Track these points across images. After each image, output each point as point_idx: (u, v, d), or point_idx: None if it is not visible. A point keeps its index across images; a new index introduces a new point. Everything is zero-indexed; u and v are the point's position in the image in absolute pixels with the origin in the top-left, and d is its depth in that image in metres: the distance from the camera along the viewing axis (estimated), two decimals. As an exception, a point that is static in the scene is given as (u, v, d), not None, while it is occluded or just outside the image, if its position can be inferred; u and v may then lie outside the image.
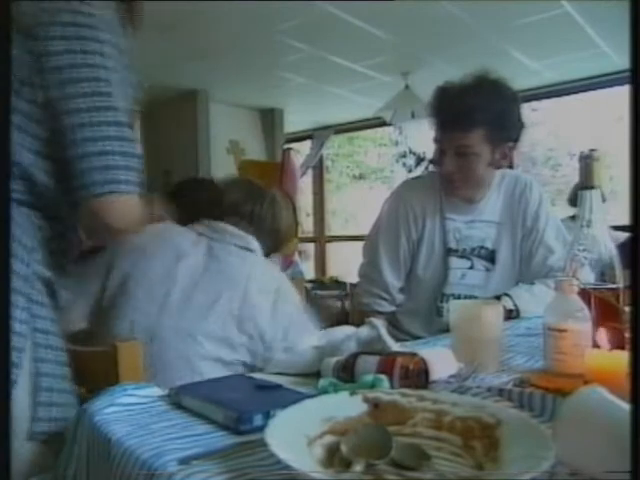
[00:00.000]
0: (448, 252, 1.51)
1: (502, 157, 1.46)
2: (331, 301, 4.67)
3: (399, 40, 3.55)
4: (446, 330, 1.18)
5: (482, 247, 1.52)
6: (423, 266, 1.53)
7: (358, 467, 0.48)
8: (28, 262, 0.87)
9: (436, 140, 1.47)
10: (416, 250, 1.53)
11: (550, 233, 1.52)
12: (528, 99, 4.71)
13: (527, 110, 5.00)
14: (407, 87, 4.13)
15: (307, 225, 6.10)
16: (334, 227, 6.48)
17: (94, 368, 1.01)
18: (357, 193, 7.09)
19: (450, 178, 1.47)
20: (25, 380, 0.84)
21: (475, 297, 1.47)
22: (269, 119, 5.33)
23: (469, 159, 1.42)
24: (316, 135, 5.89)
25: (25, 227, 0.87)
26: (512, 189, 1.55)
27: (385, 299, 1.56)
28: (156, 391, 0.83)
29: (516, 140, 1.46)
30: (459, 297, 1.50)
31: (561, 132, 5.37)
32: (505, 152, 1.45)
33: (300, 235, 4.13)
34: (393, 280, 1.54)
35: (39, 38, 0.83)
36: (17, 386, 0.82)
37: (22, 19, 0.84)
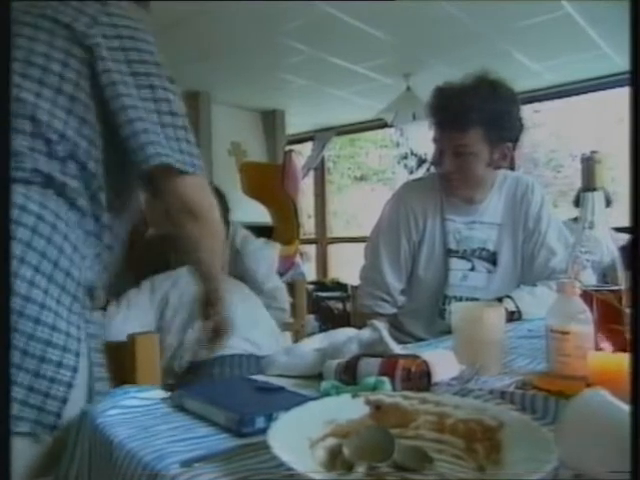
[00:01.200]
0: (448, 253, 1.51)
1: (501, 157, 1.45)
2: (332, 303, 4.67)
3: (400, 42, 3.56)
4: (448, 332, 1.18)
5: (483, 249, 1.52)
6: (424, 267, 1.53)
7: (360, 469, 0.48)
8: (80, 268, 0.87)
9: (435, 140, 1.48)
10: (417, 251, 1.53)
11: (552, 235, 1.52)
12: (530, 100, 4.72)
13: (529, 111, 5.01)
14: (408, 89, 4.13)
15: (308, 227, 6.10)
16: (335, 229, 6.48)
17: (109, 360, 1.03)
18: (358, 194, 7.09)
19: (449, 178, 1.47)
20: (83, 384, 0.85)
21: (477, 299, 1.47)
22: (270, 121, 5.33)
23: (467, 159, 1.42)
24: (317, 137, 5.89)
25: (79, 234, 0.88)
26: (514, 190, 1.55)
27: (386, 301, 1.56)
28: (158, 393, 0.83)
29: (515, 140, 1.46)
30: (461, 299, 1.50)
31: (563, 133, 5.37)
32: (504, 152, 1.45)
33: (301, 237, 4.12)
34: (394, 282, 1.54)
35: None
36: (74, 390, 0.82)
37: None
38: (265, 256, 2.28)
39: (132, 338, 1.01)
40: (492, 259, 1.53)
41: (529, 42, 3.53)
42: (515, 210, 1.54)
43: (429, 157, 4.93)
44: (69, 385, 0.81)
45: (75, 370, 0.82)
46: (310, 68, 4.05)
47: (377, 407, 0.62)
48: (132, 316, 1.45)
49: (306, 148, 6.05)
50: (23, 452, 0.78)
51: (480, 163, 1.43)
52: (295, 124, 5.51)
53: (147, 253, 1.63)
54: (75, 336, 0.83)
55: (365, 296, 1.59)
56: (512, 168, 1.58)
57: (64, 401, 0.80)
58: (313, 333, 2.57)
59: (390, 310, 1.57)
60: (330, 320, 4.26)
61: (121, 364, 1.02)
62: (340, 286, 4.92)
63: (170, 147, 0.87)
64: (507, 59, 3.77)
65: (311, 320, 3.91)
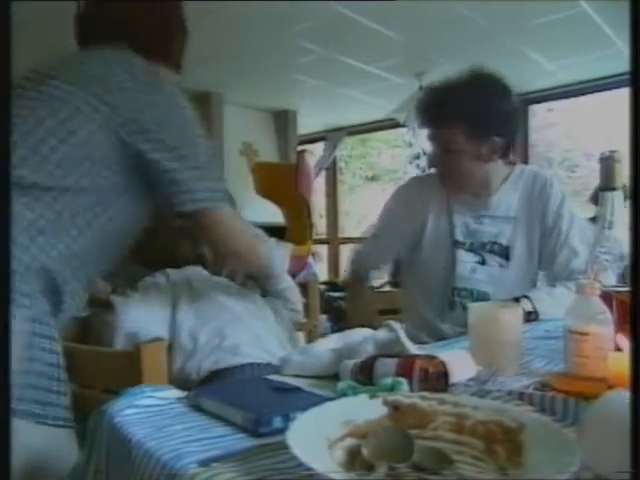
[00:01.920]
0: (455, 245, 1.51)
1: (492, 151, 1.42)
2: (344, 303, 4.66)
3: (413, 41, 3.55)
4: (459, 324, 1.19)
5: (495, 243, 1.51)
6: (429, 257, 1.54)
7: (381, 470, 0.48)
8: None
9: (428, 139, 1.49)
10: (417, 242, 1.55)
11: (575, 234, 1.49)
12: (544, 99, 4.67)
13: (543, 111, 4.96)
14: (421, 88, 4.11)
15: (320, 227, 6.10)
16: (347, 229, 6.47)
17: (116, 369, 1.03)
18: (370, 194, 7.09)
19: (441, 176, 1.50)
20: None
21: (487, 293, 1.47)
22: (282, 121, 5.34)
23: (454, 155, 1.42)
24: (329, 137, 5.89)
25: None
26: (531, 185, 1.53)
27: (360, 271, 1.67)
28: (174, 393, 0.84)
29: (505, 135, 1.42)
30: (471, 292, 1.50)
31: (577, 133, 5.31)
32: (494, 147, 1.41)
33: (314, 237, 4.12)
34: (371, 256, 1.67)
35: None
36: None
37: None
38: (277, 256, 2.28)
39: (138, 347, 1.00)
40: (504, 253, 1.51)
41: (543, 41, 3.51)
42: (532, 204, 1.52)
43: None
44: None
45: None
46: (322, 68, 4.05)
47: (395, 408, 0.61)
48: (147, 304, 1.41)
49: (317, 148, 6.05)
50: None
51: (467, 158, 1.42)
52: (307, 124, 5.52)
53: (159, 247, 1.64)
54: None
55: (348, 262, 1.70)
56: (513, 163, 1.56)
57: None
58: (325, 333, 2.56)
59: (361, 277, 1.68)
60: (342, 320, 4.25)
61: (127, 373, 1.00)
62: (352, 286, 4.90)
63: (199, 189, 0.99)
64: (521, 58, 3.75)
65: (323, 320, 3.90)
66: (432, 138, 1.47)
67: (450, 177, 1.48)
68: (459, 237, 1.51)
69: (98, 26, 1.08)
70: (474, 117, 1.37)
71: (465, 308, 1.37)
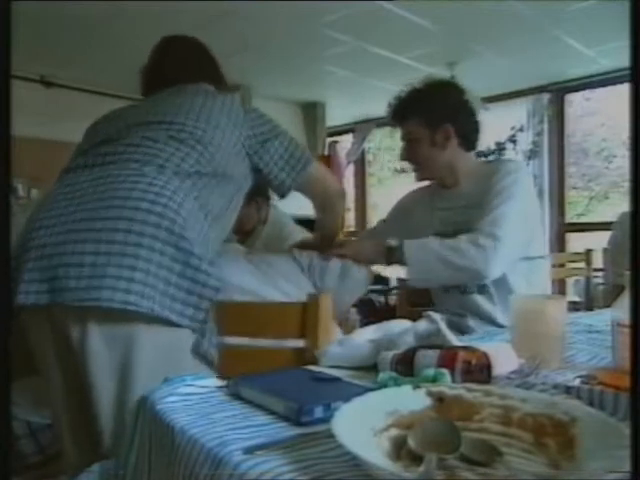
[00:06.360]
0: (435, 235, 1.56)
1: (445, 138, 1.57)
2: (374, 296, 4.64)
3: (445, 30, 3.48)
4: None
5: (468, 230, 1.50)
6: None
7: (432, 461, 0.47)
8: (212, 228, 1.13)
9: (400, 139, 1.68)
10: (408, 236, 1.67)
11: (504, 209, 1.45)
12: (581, 88, 4.53)
13: (580, 99, 4.81)
14: (452, 78, 4.05)
15: (348, 219, 6.08)
16: (375, 221, 6.41)
17: (284, 320, 1.15)
18: (399, 187, 7.01)
19: (410, 165, 1.67)
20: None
21: None
22: (311, 113, 5.32)
23: (414, 144, 1.61)
24: (358, 129, 5.85)
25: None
26: (490, 174, 1.55)
27: None
28: (214, 382, 0.84)
29: (456, 122, 1.57)
30: None
31: (616, 122, 5.14)
32: (447, 133, 1.56)
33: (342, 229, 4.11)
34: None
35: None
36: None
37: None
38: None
39: (315, 297, 1.09)
40: None
41: (581, 27, 3.40)
42: (484, 191, 1.53)
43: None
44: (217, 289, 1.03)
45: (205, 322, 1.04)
46: (352, 59, 4.02)
47: (440, 399, 0.61)
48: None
49: (346, 140, 6.02)
50: (186, 341, 1.04)
51: (424, 145, 1.59)
52: (335, 116, 5.49)
53: None
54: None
55: None
56: (471, 148, 1.64)
57: (211, 300, 1.03)
58: (353, 327, 2.55)
59: None
60: (372, 314, 4.23)
61: (304, 321, 1.12)
62: (381, 279, 4.88)
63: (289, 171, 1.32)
64: (557, 45, 3.66)
65: (352, 313, 3.88)
66: (400, 136, 1.67)
67: (416, 164, 1.65)
68: (438, 228, 1.59)
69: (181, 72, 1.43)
70: (426, 109, 1.58)
71: (462, 292, 1.56)
